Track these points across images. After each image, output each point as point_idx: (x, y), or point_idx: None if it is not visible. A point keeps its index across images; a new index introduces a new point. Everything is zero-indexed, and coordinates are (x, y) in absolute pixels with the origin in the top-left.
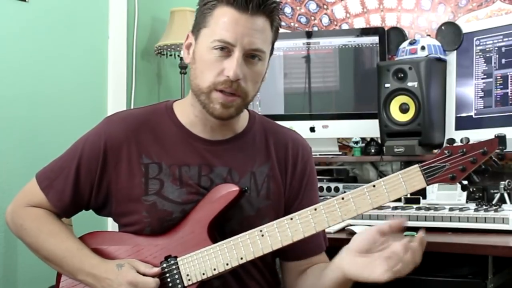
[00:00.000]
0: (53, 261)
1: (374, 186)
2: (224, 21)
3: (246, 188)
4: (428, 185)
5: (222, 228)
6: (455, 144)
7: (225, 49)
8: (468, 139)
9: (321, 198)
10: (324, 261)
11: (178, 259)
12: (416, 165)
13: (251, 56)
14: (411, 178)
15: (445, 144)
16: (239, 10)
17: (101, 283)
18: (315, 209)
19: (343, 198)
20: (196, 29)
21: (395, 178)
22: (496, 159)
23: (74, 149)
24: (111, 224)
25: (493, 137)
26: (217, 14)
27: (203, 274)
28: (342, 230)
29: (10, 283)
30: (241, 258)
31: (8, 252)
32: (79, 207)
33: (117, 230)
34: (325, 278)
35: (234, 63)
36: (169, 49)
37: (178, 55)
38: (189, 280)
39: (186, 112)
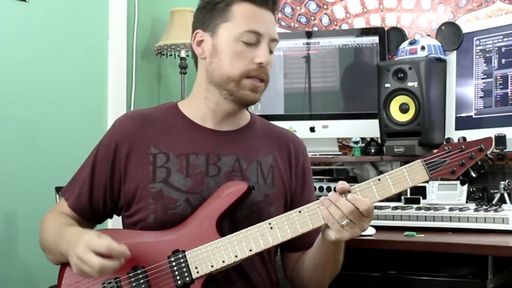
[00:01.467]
0: (51, 250)
1: (379, 179)
2: (250, 14)
3: (253, 185)
4: (430, 178)
5: (232, 214)
6: (454, 142)
7: (254, 39)
8: (465, 138)
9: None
10: None
11: (186, 252)
12: (419, 160)
13: (269, 46)
14: (414, 171)
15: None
16: (258, 5)
17: (68, 246)
18: None
19: (349, 191)
20: (212, 26)
21: (399, 172)
22: (491, 156)
23: (90, 156)
24: (111, 223)
25: (493, 137)
26: (238, 9)
27: (212, 266)
28: None
29: (10, 283)
30: (250, 250)
31: (8, 252)
32: (96, 208)
33: (116, 228)
34: (320, 254)
35: (266, 50)
36: (169, 49)
37: (178, 55)
38: (197, 272)
39: (196, 107)
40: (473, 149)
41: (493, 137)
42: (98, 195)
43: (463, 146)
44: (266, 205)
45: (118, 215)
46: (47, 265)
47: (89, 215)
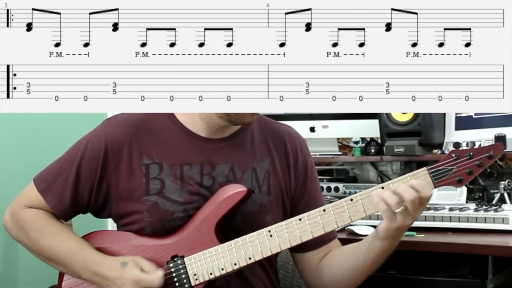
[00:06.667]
0: (56, 261)
1: (382, 188)
2: None
3: (253, 188)
4: (435, 187)
5: (226, 225)
6: (461, 148)
7: None
8: (473, 143)
9: None
10: (339, 245)
11: (185, 258)
12: (424, 168)
13: None
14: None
15: (451, 148)
16: None
17: (106, 281)
18: (324, 210)
19: (352, 199)
20: None
21: (403, 181)
22: (501, 163)
23: (73, 151)
24: (111, 224)
25: (493, 137)
26: None
27: (211, 273)
28: (342, 230)
29: (10, 283)
30: (249, 258)
31: (8, 252)
32: (78, 210)
33: (113, 230)
34: (365, 252)
35: None
36: None
37: None
38: (196, 279)
39: (190, 115)
40: (482, 156)
41: (502, 143)
42: (82, 199)
43: (471, 153)
44: (260, 215)
45: (97, 216)
46: (47, 265)
47: (68, 216)
